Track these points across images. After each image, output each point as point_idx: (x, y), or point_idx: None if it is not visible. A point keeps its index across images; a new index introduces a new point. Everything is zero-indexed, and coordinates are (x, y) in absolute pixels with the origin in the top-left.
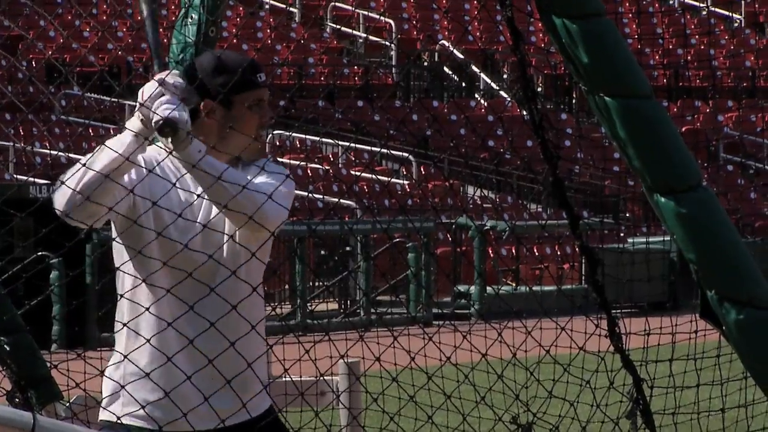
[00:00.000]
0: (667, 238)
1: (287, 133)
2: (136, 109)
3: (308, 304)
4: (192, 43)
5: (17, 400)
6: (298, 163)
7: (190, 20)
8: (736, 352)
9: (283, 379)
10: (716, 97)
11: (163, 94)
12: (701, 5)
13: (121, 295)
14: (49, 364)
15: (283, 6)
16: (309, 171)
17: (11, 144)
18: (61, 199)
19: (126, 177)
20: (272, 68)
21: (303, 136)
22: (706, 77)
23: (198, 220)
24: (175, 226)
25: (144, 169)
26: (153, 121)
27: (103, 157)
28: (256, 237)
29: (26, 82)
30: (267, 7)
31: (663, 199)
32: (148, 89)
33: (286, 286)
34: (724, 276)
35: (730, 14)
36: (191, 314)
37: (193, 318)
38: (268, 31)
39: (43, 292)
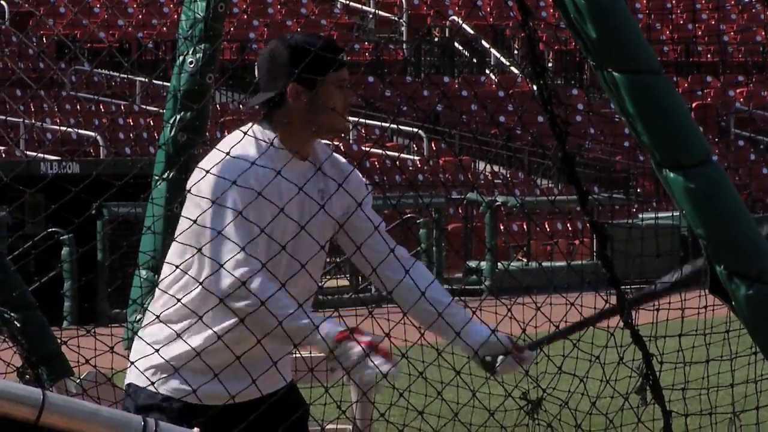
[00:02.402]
0: (678, 213)
1: None
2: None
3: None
4: (201, 19)
5: (27, 376)
6: None
7: None
8: (745, 327)
9: (294, 355)
10: (727, 72)
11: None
12: None
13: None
14: (59, 341)
15: None
16: None
17: (21, 120)
18: (225, 283)
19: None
20: None
21: None
22: (717, 52)
23: (312, 234)
24: (297, 217)
25: (253, 182)
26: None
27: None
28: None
29: (36, 59)
30: None
31: (672, 175)
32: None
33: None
34: (734, 251)
35: None
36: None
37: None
38: (278, 6)
39: (53, 268)
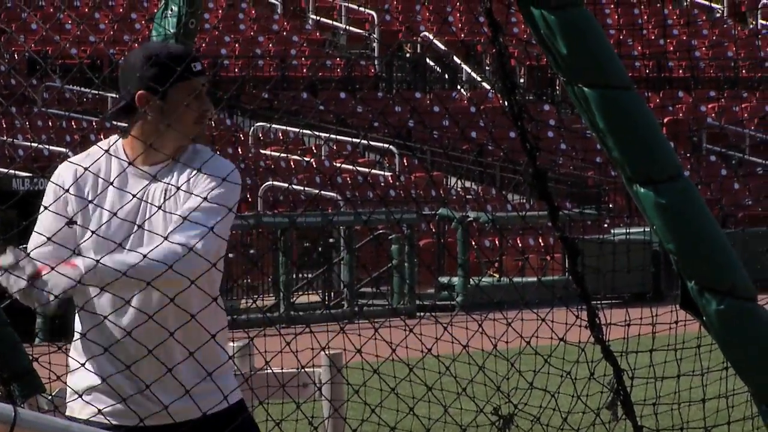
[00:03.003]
0: (649, 228)
1: (269, 125)
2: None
3: (291, 297)
4: (172, 35)
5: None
6: (279, 154)
7: (170, 12)
8: (716, 342)
9: (265, 371)
10: (698, 87)
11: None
12: None
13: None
14: (31, 357)
15: None
16: (291, 163)
17: None
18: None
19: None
20: (254, 60)
21: (285, 127)
22: (688, 67)
23: (135, 223)
24: (112, 232)
25: (70, 179)
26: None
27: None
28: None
29: (7, 75)
30: None
31: (642, 190)
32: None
33: (269, 279)
34: (704, 266)
35: (712, 4)
36: (138, 317)
37: (140, 320)
38: (250, 22)
39: None
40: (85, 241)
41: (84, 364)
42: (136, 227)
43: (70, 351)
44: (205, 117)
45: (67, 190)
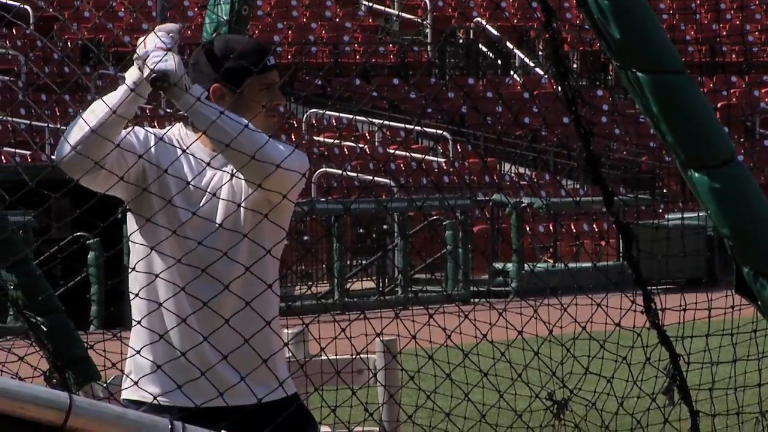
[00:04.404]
0: (703, 213)
1: (322, 112)
2: (135, 60)
3: (345, 283)
4: (225, 23)
5: (54, 380)
6: (333, 141)
7: None
8: None
9: (320, 357)
10: (752, 72)
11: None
12: None
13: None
14: (86, 345)
15: None
16: (345, 149)
17: (46, 125)
18: (59, 150)
19: (135, 143)
20: (307, 47)
21: (338, 114)
22: (742, 52)
23: (206, 195)
24: (183, 202)
25: (153, 137)
26: (144, 75)
27: (95, 109)
28: (266, 206)
29: (61, 63)
30: None
31: (696, 175)
32: (146, 42)
33: (323, 265)
34: (759, 251)
35: None
36: (204, 291)
37: (207, 294)
38: (303, 9)
39: (80, 272)
40: (159, 210)
41: (157, 339)
42: (205, 202)
43: (132, 334)
44: (276, 109)
45: (151, 147)
